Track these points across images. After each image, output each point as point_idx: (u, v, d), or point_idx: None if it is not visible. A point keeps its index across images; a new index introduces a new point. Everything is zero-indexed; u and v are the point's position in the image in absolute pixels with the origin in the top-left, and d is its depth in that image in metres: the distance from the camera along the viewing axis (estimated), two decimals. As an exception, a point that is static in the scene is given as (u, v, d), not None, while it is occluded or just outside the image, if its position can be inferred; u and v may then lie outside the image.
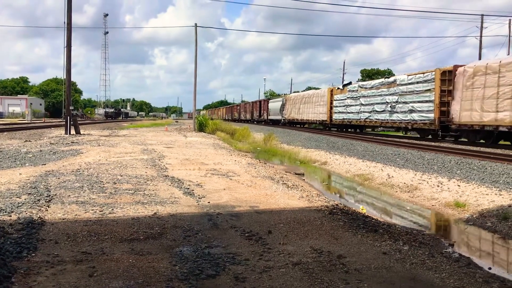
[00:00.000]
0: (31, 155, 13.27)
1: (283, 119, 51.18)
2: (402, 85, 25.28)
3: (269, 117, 58.69)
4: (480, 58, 40.17)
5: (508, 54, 36.05)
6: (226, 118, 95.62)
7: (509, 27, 43.37)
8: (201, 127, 37.67)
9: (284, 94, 57.41)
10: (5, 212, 6.07)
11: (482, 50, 43.12)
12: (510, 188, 10.03)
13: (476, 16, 44.75)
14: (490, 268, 5.57)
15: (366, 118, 30.04)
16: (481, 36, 43.37)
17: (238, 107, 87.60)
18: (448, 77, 21.78)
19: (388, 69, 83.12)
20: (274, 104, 56.78)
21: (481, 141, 20.19)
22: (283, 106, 51.34)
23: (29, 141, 19.76)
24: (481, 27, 43.49)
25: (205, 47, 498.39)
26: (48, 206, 6.54)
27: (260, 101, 69.00)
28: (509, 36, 43.15)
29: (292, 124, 49.32)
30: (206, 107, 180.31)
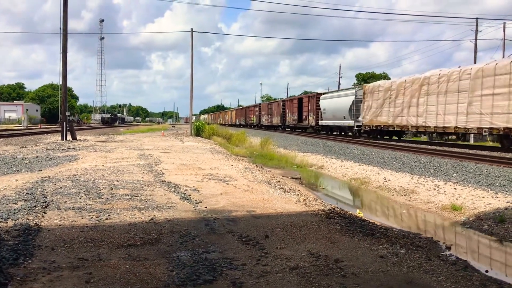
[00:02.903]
0: (27, 161, 13.24)
1: (358, 126, 31.50)
2: None
3: (321, 122, 38.37)
4: (475, 62, 40.37)
5: (503, 57, 36.25)
6: (238, 124, 78.97)
7: (504, 30, 43.66)
8: (198, 132, 37.68)
9: (359, 84, 34.76)
10: (1, 218, 6.04)
11: (478, 53, 43.46)
12: (506, 191, 10.06)
13: (472, 20, 44.97)
14: (487, 271, 5.58)
15: None
16: (476, 40, 43.60)
17: (257, 109, 66.26)
18: None
19: (384, 73, 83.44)
20: (335, 102, 35.51)
21: None
22: (357, 104, 31.62)
23: (25, 147, 19.71)
24: (476, 30, 43.72)
25: (202, 52, 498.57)
26: (44, 213, 6.52)
27: (300, 98, 46.81)
28: (504, 39, 43.43)
29: (384, 134, 29.51)
30: (203, 112, 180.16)
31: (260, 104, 68.98)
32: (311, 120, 41.25)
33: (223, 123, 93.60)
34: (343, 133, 37.13)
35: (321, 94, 41.23)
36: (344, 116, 33.52)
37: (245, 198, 8.29)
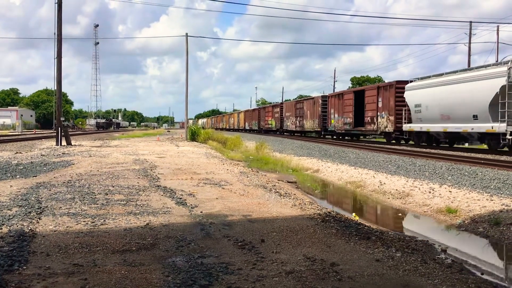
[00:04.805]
0: (22, 167, 13.18)
1: None
2: None
3: (411, 126, 24.58)
4: (469, 65, 40.59)
5: (497, 60, 36.47)
6: (248, 129, 66.80)
7: (497, 33, 43.96)
8: (193, 137, 37.66)
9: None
10: (-4, 225, 6.01)
11: (473, 56, 43.77)
12: (501, 194, 10.10)
13: (467, 23, 45.24)
14: (482, 274, 5.60)
15: None
16: (469, 43, 43.88)
17: (278, 109, 52.10)
18: None
19: (379, 77, 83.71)
20: (449, 91, 21.64)
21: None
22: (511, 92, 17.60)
23: (20, 152, 19.62)
24: (470, 34, 44.02)
25: (197, 57, 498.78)
26: (39, 218, 6.50)
27: (359, 91, 32.23)
28: (497, 42, 43.73)
29: None
30: (198, 116, 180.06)
31: (282, 103, 53.99)
32: (384, 123, 27.18)
33: (227, 127, 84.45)
34: (445, 144, 24.12)
35: (405, 82, 26.23)
36: (475, 116, 19.71)
37: (240, 202, 8.29)
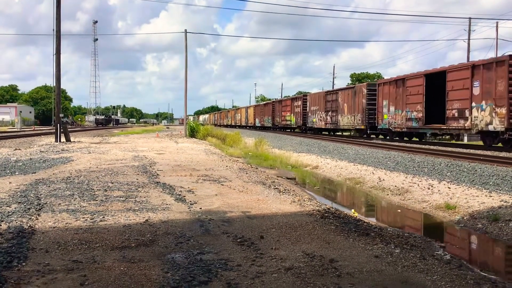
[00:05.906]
0: (21, 164, 13.17)
1: None
2: None
3: None
4: (468, 61, 40.56)
5: (496, 56, 36.29)
6: (259, 126, 57.93)
7: (497, 30, 43.95)
8: (192, 133, 37.65)
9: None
10: (-5, 221, 6.01)
11: (473, 52, 43.68)
12: (500, 190, 10.11)
13: (466, 20, 45.17)
14: (481, 270, 5.62)
15: None
16: (469, 39, 43.82)
17: (300, 103, 42.60)
18: None
19: (378, 73, 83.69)
20: None
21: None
22: None
23: (19, 149, 19.61)
24: (469, 30, 43.95)
25: (197, 53, 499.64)
26: (38, 215, 6.50)
27: (438, 73, 22.63)
28: (497, 38, 43.72)
29: None
30: (197, 113, 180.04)
31: (305, 94, 44.11)
32: (486, 119, 19.10)
33: (232, 124, 77.94)
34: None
35: None
36: None
37: (240, 199, 8.29)
